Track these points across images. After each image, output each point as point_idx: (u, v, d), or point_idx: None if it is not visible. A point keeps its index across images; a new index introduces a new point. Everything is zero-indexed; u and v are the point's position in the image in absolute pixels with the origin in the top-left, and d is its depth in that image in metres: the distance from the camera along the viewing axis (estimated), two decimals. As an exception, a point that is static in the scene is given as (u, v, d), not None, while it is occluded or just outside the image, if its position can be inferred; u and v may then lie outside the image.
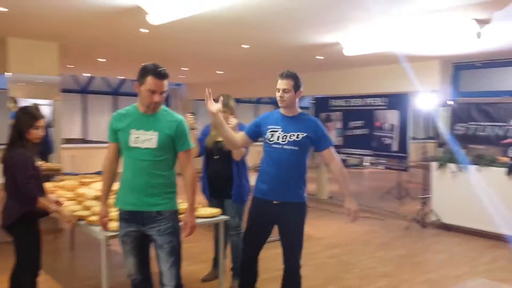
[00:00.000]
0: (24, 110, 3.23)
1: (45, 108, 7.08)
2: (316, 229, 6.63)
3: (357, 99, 8.34)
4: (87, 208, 3.70)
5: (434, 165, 6.83)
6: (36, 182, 3.15)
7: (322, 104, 9.08)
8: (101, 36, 5.83)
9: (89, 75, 11.79)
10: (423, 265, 5.14)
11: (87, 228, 3.43)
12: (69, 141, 12.22)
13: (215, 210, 3.83)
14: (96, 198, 3.78)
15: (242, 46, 6.23)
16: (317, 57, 7.04)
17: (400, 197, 9.13)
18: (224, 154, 3.94)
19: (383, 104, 7.88)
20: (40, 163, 5.94)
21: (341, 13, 4.63)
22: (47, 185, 4.29)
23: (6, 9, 4.56)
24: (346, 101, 8.56)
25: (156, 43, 6.14)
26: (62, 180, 4.92)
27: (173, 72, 9.75)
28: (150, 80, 2.71)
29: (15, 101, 6.44)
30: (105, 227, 3.00)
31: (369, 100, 8.13)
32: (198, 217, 3.64)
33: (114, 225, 3.13)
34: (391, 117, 7.75)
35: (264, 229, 3.35)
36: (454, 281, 4.58)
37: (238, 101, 14.52)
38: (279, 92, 3.21)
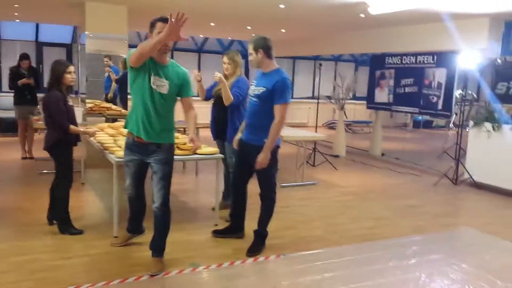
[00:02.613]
0: (57, 61, 4.21)
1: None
2: (345, 180, 7.09)
3: (410, 57, 8.35)
4: (115, 141, 4.70)
5: (470, 123, 6.81)
6: (68, 116, 4.14)
7: (378, 61, 9.19)
8: None
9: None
10: (423, 214, 5.40)
11: (108, 156, 4.41)
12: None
13: (212, 149, 4.59)
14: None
15: (280, 6, 6.73)
16: (360, 15, 7.22)
17: (456, 157, 9.01)
18: (221, 101, 4.61)
19: (432, 62, 7.85)
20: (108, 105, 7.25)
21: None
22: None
23: None
24: (400, 58, 8.59)
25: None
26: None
27: (238, 30, 10.47)
28: (159, 24, 3.27)
29: (110, 58, 7.69)
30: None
31: (420, 58, 8.12)
32: (200, 154, 4.45)
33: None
34: (439, 75, 7.72)
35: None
36: (443, 228, 4.89)
37: (317, 58, 14.87)
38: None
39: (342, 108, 9.26)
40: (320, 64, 8.12)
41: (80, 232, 4.23)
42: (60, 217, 4.26)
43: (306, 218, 5.05)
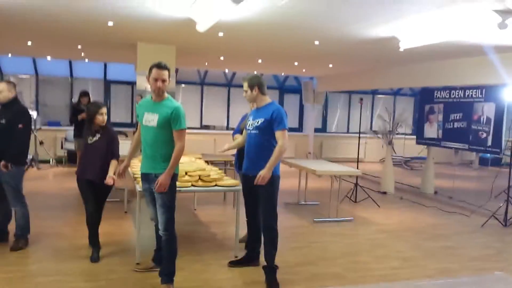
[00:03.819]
0: (92, 102, 4.61)
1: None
2: (385, 217, 6.88)
3: (459, 91, 8.08)
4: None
5: (519, 161, 6.41)
6: (85, 152, 4.51)
7: (426, 95, 8.97)
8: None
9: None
10: (458, 256, 5.11)
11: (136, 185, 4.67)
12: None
13: (232, 182, 4.73)
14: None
15: (315, 42, 6.87)
16: (400, 50, 7.16)
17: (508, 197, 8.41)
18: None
19: (481, 96, 7.55)
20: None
21: (398, 6, 4.80)
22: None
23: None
24: (449, 92, 8.33)
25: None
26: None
27: (287, 66, 10.70)
28: (154, 70, 3.63)
29: (141, 96, 8.23)
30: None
31: (468, 92, 7.84)
32: (220, 186, 4.62)
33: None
34: (488, 110, 7.39)
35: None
36: (475, 272, 4.61)
37: (374, 92, 14.70)
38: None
39: (390, 143, 9.06)
40: (361, 99, 8.06)
41: (95, 260, 4.42)
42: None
43: (329, 255, 4.98)
